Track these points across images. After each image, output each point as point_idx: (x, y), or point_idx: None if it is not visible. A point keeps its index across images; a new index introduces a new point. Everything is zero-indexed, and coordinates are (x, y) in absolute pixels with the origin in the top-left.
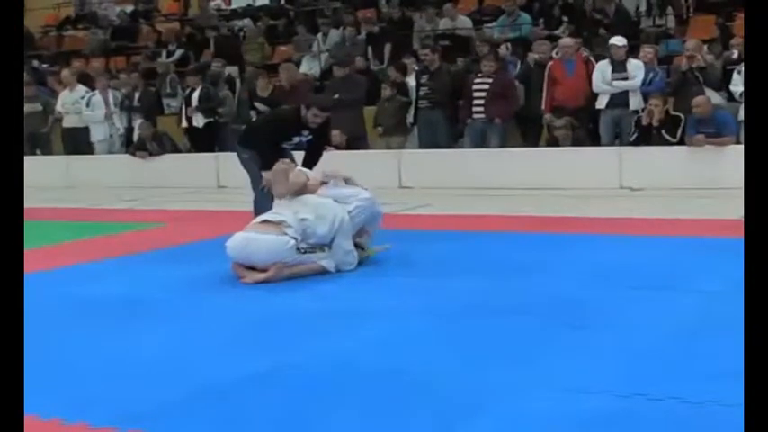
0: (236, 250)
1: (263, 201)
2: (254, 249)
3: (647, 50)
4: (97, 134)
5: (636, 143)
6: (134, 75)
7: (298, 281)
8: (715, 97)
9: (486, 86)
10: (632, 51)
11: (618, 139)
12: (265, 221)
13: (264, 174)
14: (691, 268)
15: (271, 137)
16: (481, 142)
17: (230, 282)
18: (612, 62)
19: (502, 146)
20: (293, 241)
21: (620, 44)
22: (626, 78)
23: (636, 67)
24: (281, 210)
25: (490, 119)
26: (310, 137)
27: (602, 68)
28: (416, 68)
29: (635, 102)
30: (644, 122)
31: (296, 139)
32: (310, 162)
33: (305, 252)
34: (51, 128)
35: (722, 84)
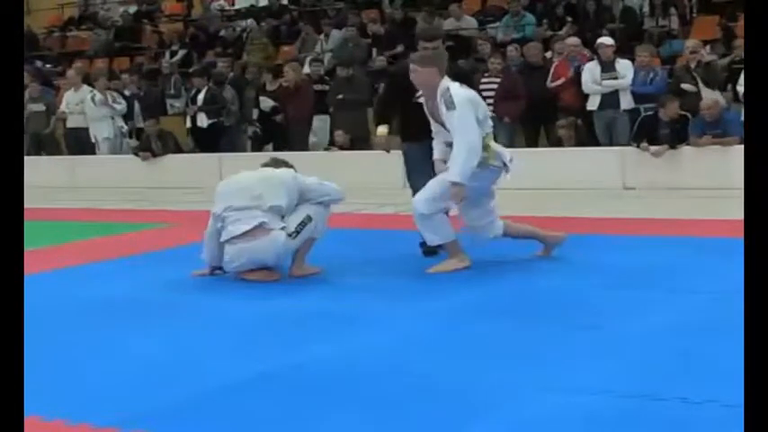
0: (243, 259)
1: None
2: (258, 255)
3: (641, 54)
4: (102, 132)
5: (637, 142)
6: (137, 75)
7: (301, 282)
8: (716, 96)
9: (495, 86)
10: (633, 52)
11: (612, 139)
12: (243, 234)
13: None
14: (692, 269)
15: (397, 95)
16: None
17: (234, 282)
18: (601, 62)
19: (510, 145)
20: (282, 233)
21: (608, 44)
22: (615, 78)
23: (625, 67)
24: (241, 212)
25: (500, 118)
26: None
27: (591, 69)
28: None
29: (626, 102)
30: (663, 119)
31: None
32: None
33: (297, 233)
34: (55, 128)
35: (725, 84)
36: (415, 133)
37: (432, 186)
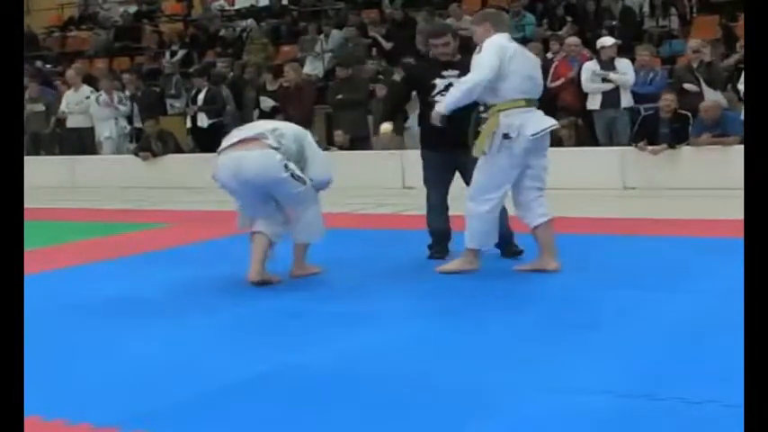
0: (229, 170)
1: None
2: (246, 166)
3: (642, 54)
4: (104, 131)
5: (637, 141)
6: (137, 75)
7: (302, 282)
8: (717, 96)
9: None
10: (632, 52)
11: (612, 139)
12: (242, 140)
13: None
14: (692, 268)
15: (409, 92)
16: None
17: (233, 283)
18: (601, 62)
19: None
20: (279, 155)
21: (608, 44)
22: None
23: (624, 66)
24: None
25: None
26: (457, 74)
27: (591, 68)
28: None
29: (626, 100)
30: (663, 118)
31: (440, 83)
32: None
33: (292, 175)
34: (55, 128)
35: (726, 84)
36: (433, 142)
37: (474, 178)
